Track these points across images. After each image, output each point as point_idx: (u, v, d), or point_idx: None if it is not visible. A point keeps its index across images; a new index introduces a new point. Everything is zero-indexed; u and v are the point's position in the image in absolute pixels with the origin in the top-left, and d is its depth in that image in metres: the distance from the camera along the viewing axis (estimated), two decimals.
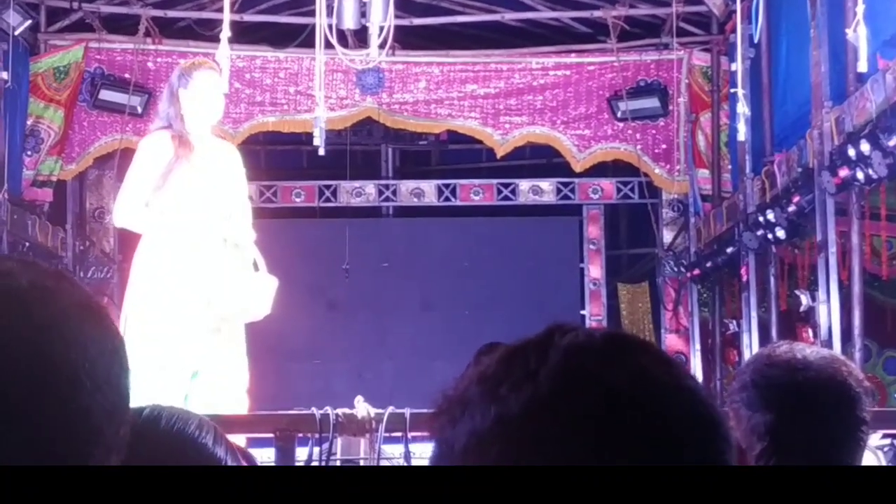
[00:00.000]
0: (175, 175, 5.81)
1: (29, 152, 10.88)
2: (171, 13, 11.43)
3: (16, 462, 0.97)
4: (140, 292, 5.76)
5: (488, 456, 0.94)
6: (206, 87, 5.96)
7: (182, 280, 5.76)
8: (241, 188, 6.19)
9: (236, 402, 5.82)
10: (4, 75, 9.66)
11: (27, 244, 10.08)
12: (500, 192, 12.38)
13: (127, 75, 11.11)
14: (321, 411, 4.53)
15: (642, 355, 0.98)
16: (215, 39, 7.33)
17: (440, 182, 12.57)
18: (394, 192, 12.59)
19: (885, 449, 5.65)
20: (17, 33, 10.08)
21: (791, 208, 8.60)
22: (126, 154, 6.21)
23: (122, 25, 11.50)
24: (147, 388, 5.57)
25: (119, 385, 1.04)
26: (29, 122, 10.88)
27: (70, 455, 1.00)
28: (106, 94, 11.08)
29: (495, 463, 0.93)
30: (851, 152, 7.26)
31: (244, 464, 1.64)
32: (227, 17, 7.18)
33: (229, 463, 1.60)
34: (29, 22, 10.46)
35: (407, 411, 4.60)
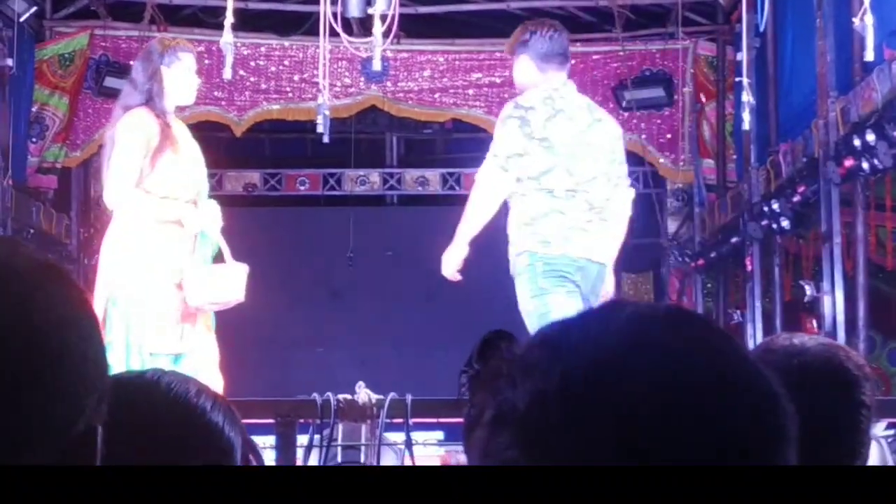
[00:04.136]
0: (162, 157, 5.73)
1: (34, 139, 10.88)
2: (177, 0, 11.42)
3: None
4: (127, 276, 5.69)
5: (552, 414, 0.94)
6: (189, 68, 5.90)
7: (166, 264, 5.71)
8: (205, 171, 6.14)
9: (216, 380, 5.81)
10: (9, 62, 9.66)
11: (31, 231, 10.08)
12: None
13: (132, 62, 11.09)
14: (322, 397, 4.53)
15: (704, 327, 1.00)
16: (220, 27, 7.33)
17: (445, 171, 12.56)
18: (398, 181, 12.58)
19: (890, 440, 5.65)
20: (22, 20, 10.08)
21: (796, 198, 8.59)
22: None
23: (128, 13, 11.50)
24: None
25: (87, 351, 1.03)
26: (34, 109, 10.89)
27: (53, 425, 1.00)
28: (111, 82, 11.05)
29: (559, 422, 0.93)
30: (857, 142, 7.25)
31: (243, 434, 1.65)
32: (230, 3, 7.18)
33: (227, 429, 1.61)
34: (34, 9, 10.46)
35: (408, 397, 4.59)
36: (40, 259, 1.04)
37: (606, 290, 5.81)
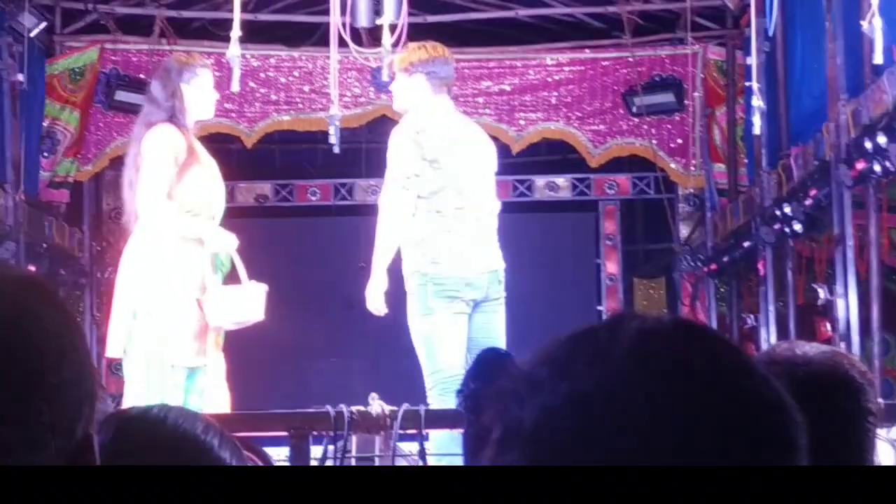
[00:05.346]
0: (188, 173, 5.78)
1: (45, 154, 10.91)
2: (186, 13, 11.45)
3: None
4: (149, 289, 5.73)
5: (560, 431, 0.94)
6: (207, 84, 5.96)
7: (187, 279, 5.74)
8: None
9: (225, 396, 5.86)
10: (20, 77, 9.68)
11: (45, 245, 10.10)
12: (515, 188, 12.36)
13: (142, 76, 11.11)
14: (335, 409, 4.54)
15: (712, 340, 1.00)
16: (230, 39, 7.34)
17: None
18: None
19: None
20: (32, 35, 10.10)
21: (808, 202, 8.57)
22: None
23: (137, 26, 11.53)
24: (158, 387, 5.58)
25: (82, 359, 1.04)
26: (45, 124, 10.92)
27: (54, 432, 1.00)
28: (121, 95, 11.09)
29: (567, 438, 0.94)
30: (868, 145, 7.23)
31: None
32: (237, 16, 7.20)
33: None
34: (44, 24, 10.48)
35: (422, 408, 4.60)
36: (24, 274, 1.06)
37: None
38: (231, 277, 5.95)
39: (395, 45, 7.59)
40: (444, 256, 5.85)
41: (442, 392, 5.62)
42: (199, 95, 5.93)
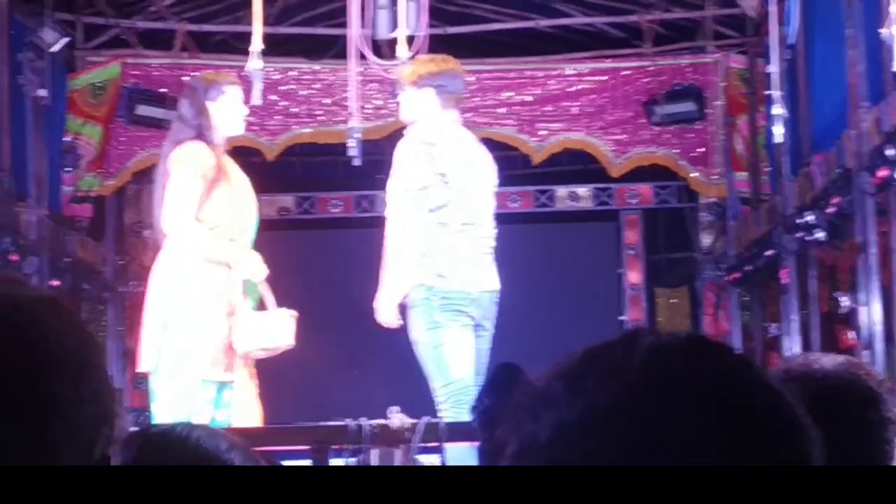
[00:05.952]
0: (217, 189, 5.80)
1: (68, 169, 10.95)
2: (207, 27, 11.49)
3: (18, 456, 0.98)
4: (181, 303, 5.76)
5: (575, 446, 0.95)
6: (235, 99, 5.99)
7: (218, 294, 5.77)
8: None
9: (256, 409, 5.88)
10: (42, 93, 9.73)
11: (67, 260, 10.15)
12: (537, 198, 12.36)
13: (164, 90, 11.16)
14: (356, 423, 4.54)
15: (726, 355, 1.00)
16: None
17: None
18: None
19: None
20: (53, 50, 10.15)
21: (830, 210, 8.53)
22: None
23: (159, 40, 11.57)
24: (186, 401, 5.61)
25: (101, 378, 1.05)
26: (67, 139, 10.96)
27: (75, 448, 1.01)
28: (143, 110, 11.13)
29: (582, 453, 0.94)
30: (890, 152, 7.20)
31: None
32: (257, 29, 7.21)
33: None
34: (65, 39, 10.51)
35: (442, 421, 4.60)
36: (42, 293, 1.07)
37: None
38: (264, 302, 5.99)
39: (414, 56, 7.60)
40: (450, 271, 5.83)
41: (455, 405, 5.59)
42: (227, 112, 5.97)
